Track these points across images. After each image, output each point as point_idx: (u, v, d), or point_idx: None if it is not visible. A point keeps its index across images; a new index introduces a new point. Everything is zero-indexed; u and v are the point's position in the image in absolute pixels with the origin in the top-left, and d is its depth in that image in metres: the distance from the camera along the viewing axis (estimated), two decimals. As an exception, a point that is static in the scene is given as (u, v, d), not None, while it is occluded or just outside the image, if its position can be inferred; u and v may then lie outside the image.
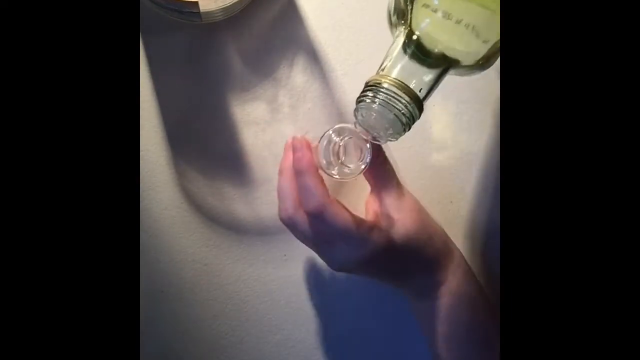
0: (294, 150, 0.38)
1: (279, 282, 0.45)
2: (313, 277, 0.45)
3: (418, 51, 0.34)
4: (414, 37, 0.34)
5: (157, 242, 0.44)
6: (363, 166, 0.36)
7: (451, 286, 0.40)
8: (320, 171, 0.37)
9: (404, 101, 0.33)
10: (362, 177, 0.39)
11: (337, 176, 0.37)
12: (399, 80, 0.33)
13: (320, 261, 0.45)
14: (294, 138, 0.39)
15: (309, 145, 0.38)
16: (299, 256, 0.45)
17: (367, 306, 0.45)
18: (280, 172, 0.39)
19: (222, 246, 0.44)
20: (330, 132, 0.37)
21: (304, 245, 0.45)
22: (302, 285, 0.45)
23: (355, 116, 0.35)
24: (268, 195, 0.44)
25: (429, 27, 0.34)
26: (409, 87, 0.33)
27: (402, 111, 0.33)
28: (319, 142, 0.37)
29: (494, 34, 0.33)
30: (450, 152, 0.45)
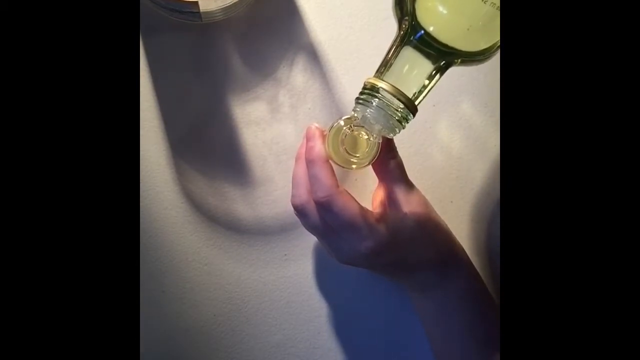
0: (307, 139, 0.38)
1: (279, 282, 0.45)
2: (313, 277, 0.45)
3: (420, 42, 0.35)
4: (417, 32, 0.34)
5: (157, 242, 0.44)
6: (371, 158, 0.37)
7: (454, 283, 0.40)
8: (330, 161, 0.38)
9: (397, 107, 0.35)
10: (369, 169, 0.39)
11: (344, 166, 0.37)
12: (394, 86, 0.34)
13: (321, 261, 0.45)
14: (308, 127, 0.39)
15: (321, 135, 0.38)
16: (299, 256, 0.45)
17: (368, 305, 0.45)
18: (297, 159, 0.40)
19: (222, 246, 0.44)
20: (341, 122, 0.37)
21: (304, 245, 0.45)
22: (302, 285, 0.45)
23: (354, 112, 0.36)
24: (268, 195, 0.44)
25: (437, 15, 0.34)
26: (404, 93, 0.34)
27: (395, 116, 0.35)
28: (328, 131, 0.37)
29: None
30: (451, 152, 0.45)
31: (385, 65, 0.35)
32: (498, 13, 0.33)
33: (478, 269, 0.42)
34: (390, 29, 0.37)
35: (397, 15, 0.36)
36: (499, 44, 0.35)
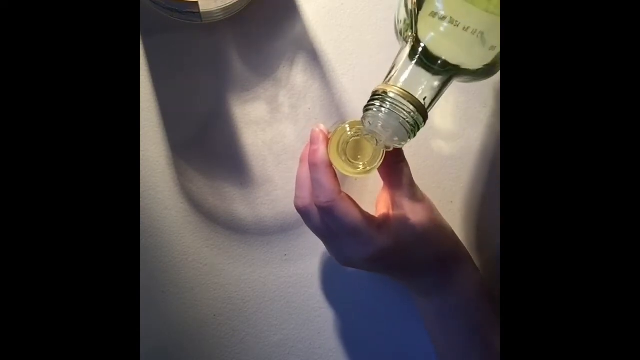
0: (311, 142, 0.38)
1: (279, 282, 0.45)
2: (313, 277, 0.45)
3: (424, 59, 0.34)
4: (420, 45, 0.35)
5: (157, 242, 0.44)
6: (375, 165, 0.36)
7: (456, 287, 0.40)
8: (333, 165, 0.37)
9: (408, 110, 0.34)
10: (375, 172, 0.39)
11: (347, 174, 0.37)
12: (405, 90, 0.34)
13: (321, 261, 0.45)
14: (313, 129, 0.38)
15: (325, 139, 0.38)
16: (299, 256, 0.45)
17: (369, 305, 0.45)
18: (301, 160, 0.39)
19: (222, 246, 0.44)
20: (346, 126, 0.36)
21: (304, 245, 0.45)
22: (302, 285, 0.45)
23: (363, 123, 0.35)
24: (268, 195, 0.44)
25: (436, 35, 0.34)
26: (414, 97, 0.34)
27: (407, 119, 0.34)
28: (331, 135, 0.37)
29: (499, 40, 0.33)
30: (451, 152, 0.45)
31: (390, 78, 0.35)
32: (477, 39, 0.33)
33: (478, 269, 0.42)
34: (390, 29, 0.37)
35: (399, 32, 0.36)
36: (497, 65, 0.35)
